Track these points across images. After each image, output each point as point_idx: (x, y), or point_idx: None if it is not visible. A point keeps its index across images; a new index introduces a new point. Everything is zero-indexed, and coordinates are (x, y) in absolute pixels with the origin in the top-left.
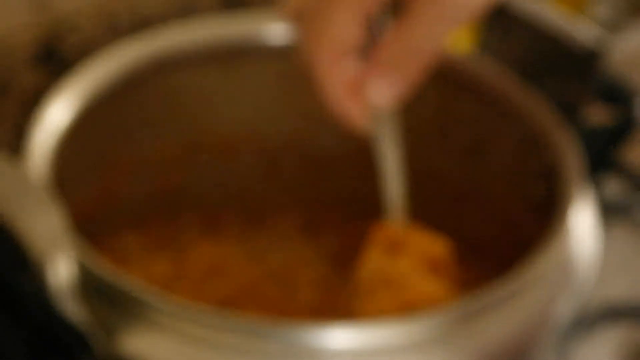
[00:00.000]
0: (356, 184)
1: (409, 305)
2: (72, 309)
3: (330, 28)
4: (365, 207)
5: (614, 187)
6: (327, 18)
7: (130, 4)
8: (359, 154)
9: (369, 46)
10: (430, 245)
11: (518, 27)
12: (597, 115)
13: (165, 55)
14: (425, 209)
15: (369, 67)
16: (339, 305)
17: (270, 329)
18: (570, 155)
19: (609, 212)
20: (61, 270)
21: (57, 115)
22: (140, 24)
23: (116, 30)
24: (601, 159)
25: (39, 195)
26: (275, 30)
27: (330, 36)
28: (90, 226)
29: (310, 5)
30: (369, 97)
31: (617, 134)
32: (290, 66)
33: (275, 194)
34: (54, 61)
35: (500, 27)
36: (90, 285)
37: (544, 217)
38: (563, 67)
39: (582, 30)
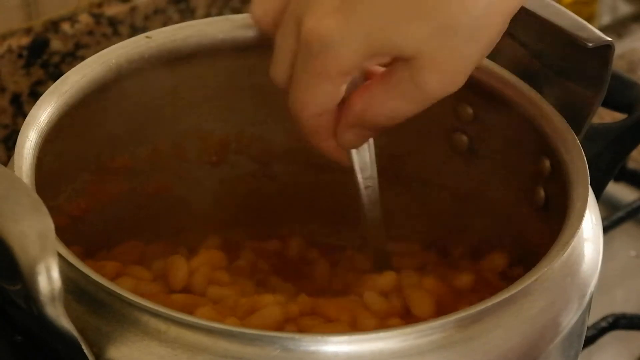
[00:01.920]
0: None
1: None
2: (63, 316)
3: (315, 100)
4: None
5: (621, 190)
6: (312, 85)
7: (122, 10)
8: None
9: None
10: None
11: (522, 28)
12: (604, 118)
13: (156, 57)
14: (428, 212)
15: (338, 115)
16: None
17: (266, 336)
18: (576, 158)
19: (616, 216)
20: (51, 276)
21: (46, 118)
22: (132, 28)
23: (107, 34)
24: (607, 162)
25: (28, 200)
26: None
27: (314, 107)
28: (79, 231)
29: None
30: (339, 145)
31: (624, 137)
32: None
33: (266, 198)
34: (44, 65)
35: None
36: (80, 292)
37: (548, 220)
38: (570, 68)
39: (590, 31)
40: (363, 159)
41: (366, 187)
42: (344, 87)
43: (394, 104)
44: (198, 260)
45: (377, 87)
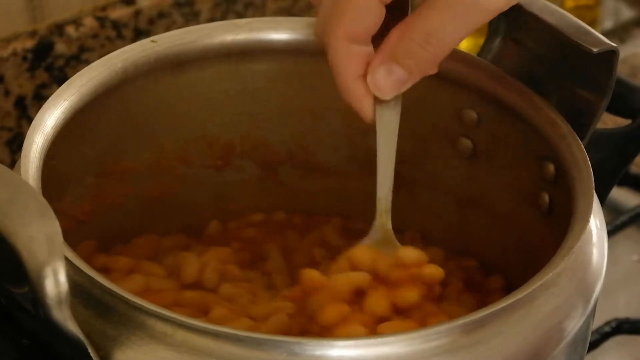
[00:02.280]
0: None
1: None
2: (70, 319)
3: (348, 14)
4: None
5: (624, 195)
6: (347, 3)
7: (126, 13)
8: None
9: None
10: None
11: (527, 33)
12: (607, 123)
13: (161, 62)
14: (431, 216)
15: (374, 54)
16: None
17: (273, 340)
18: (581, 163)
19: (618, 221)
20: (58, 279)
21: (52, 122)
22: (136, 32)
23: (111, 38)
24: (612, 167)
25: (35, 203)
26: (274, 35)
27: (348, 22)
28: (84, 235)
29: None
30: (369, 85)
31: (628, 143)
32: (291, 72)
33: (271, 201)
34: (48, 68)
35: (508, 31)
36: (87, 295)
37: (552, 225)
38: (574, 74)
39: (594, 37)
40: (387, 120)
41: (382, 153)
42: (382, 9)
43: (431, 21)
44: (208, 256)
45: (415, 11)
